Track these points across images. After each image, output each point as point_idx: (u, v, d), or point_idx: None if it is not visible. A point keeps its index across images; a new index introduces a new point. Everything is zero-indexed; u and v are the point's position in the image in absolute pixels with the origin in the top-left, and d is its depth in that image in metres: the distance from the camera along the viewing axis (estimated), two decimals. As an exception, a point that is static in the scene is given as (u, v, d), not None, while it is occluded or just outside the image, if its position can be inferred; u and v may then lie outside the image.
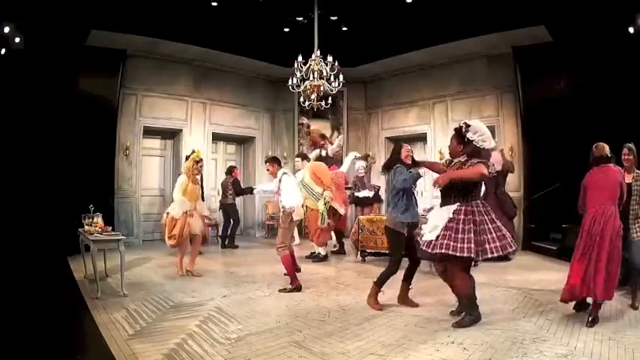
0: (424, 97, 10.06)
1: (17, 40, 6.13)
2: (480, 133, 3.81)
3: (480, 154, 3.85)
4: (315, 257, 7.16)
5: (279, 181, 5.41)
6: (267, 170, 5.73)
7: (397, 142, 4.73)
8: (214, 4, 7.28)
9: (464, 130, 3.85)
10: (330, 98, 7.77)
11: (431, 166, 4.54)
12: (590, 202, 4.05)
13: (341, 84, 7.34)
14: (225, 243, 8.62)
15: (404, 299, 4.50)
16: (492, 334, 3.59)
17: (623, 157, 4.39)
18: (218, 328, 3.77)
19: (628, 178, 4.28)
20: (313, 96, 7.42)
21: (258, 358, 3.14)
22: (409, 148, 4.49)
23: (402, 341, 3.46)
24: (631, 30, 5.88)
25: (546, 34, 7.35)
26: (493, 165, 7.07)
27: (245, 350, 3.27)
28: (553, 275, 5.89)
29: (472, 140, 3.81)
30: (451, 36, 8.38)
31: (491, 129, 8.95)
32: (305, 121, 10.83)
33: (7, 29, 5.98)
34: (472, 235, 3.68)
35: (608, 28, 6.21)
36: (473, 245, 3.65)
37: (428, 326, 3.82)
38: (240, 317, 4.07)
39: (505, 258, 6.83)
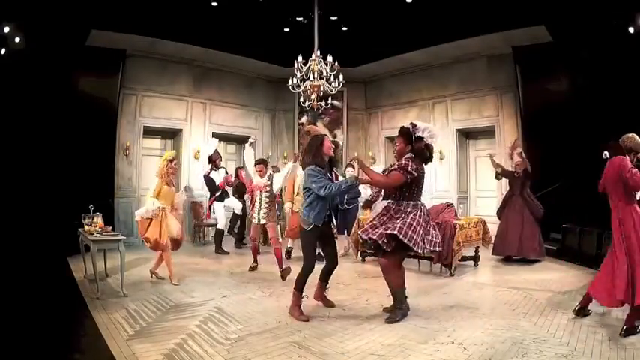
0: (424, 97, 10.06)
1: (17, 40, 6.12)
2: (427, 130, 4.09)
3: (430, 151, 4.12)
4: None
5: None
6: (259, 172, 6.21)
7: (314, 136, 4.47)
8: (214, 4, 7.28)
9: (412, 129, 4.08)
10: (330, 98, 7.77)
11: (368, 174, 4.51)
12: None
13: (341, 84, 7.34)
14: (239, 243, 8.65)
15: (320, 298, 4.51)
16: (492, 334, 3.59)
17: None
18: (218, 328, 3.77)
19: None
20: (313, 96, 7.42)
21: (258, 358, 3.14)
22: (331, 141, 4.46)
23: (402, 341, 3.46)
24: (631, 30, 5.88)
25: (546, 34, 7.35)
26: (517, 166, 7.07)
27: (245, 350, 3.27)
28: (553, 275, 5.89)
29: (422, 137, 4.05)
30: (451, 36, 8.38)
31: (491, 129, 9.08)
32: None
33: (7, 29, 5.98)
34: (402, 225, 3.85)
35: (608, 28, 6.20)
36: (404, 233, 3.81)
37: (428, 326, 3.82)
38: (240, 317, 4.07)
39: (534, 260, 6.77)
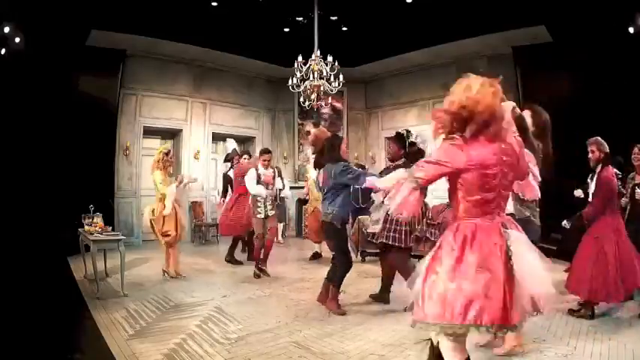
0: (424, 97, 10.04)
1: (17, 40, 6.12)
2: (420, 136, 4.30)
3: (422, 155, 4.21)
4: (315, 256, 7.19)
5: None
6: (266, 161, 6.10)
7: (334, 135, 4.74)
8: (214, 4, 7.28)
9: (406, 134, 4.33)
10: (330, 98, 7.79)
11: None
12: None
13: (341, 84, 7.34)
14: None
15: (324, 298, 4.42)
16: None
17: (633, 156, 4.41)
18: (218, 328, 3.77)
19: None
20: (313, 96, 7.43)
21: (258, 358, 3.15)
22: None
23: (402, 341, 3.45)
24: (631, 30, 5.88)
25: (546, 34, 7.35)
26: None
27: (245, 350, 3.27)
28: (553, 275, 5.85)
29: (415, 143, 4.28)
30: (451, 36, 8.37)
31: (491, 129, 9.07)
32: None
33: (7, 29, 5.98)
34: (407, 227, 4.17)
35: (608, 28, 6.20)
36: (408, 237, 4.17)
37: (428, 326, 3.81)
38: (240, 317, 4.07)
39: None
